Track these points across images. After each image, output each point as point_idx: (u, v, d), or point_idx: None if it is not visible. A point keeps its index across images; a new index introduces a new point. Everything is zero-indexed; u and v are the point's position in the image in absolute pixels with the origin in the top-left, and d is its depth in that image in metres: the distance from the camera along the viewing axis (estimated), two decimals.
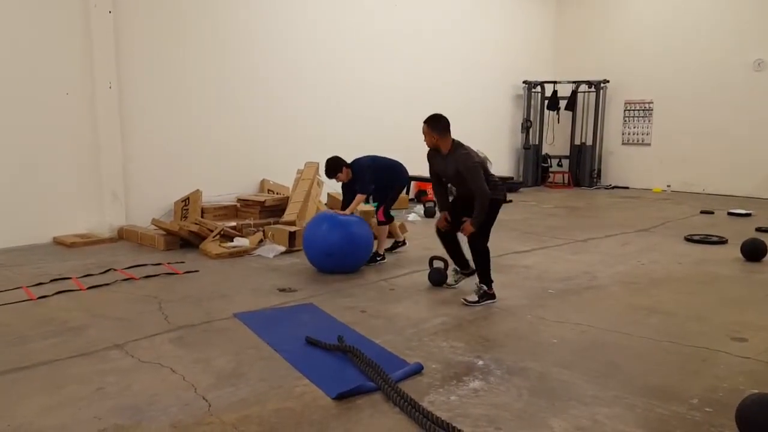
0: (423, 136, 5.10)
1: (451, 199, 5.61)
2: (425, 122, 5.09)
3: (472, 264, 5.40)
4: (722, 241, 7.73)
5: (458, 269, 5.65)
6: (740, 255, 6.88)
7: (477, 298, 5.07)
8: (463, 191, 5.27)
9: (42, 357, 3.87)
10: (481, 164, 5.04)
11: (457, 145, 5.08)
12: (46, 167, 7.40)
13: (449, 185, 5.65)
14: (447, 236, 5.53)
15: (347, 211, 6.34)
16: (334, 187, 8.84)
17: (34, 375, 3.62)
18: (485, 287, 5.12)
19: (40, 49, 7.25)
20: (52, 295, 5.24)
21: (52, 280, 5.70)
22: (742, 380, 3.57)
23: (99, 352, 3.96)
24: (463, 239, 5.36)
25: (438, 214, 5.61)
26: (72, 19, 7.44)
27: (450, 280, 5.62)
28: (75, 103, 7.56)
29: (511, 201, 11.62)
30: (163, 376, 3.59)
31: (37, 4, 7.18)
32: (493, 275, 5.17)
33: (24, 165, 7.24)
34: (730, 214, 10.15)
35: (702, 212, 10.34)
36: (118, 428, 2.97)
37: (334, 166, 6.46)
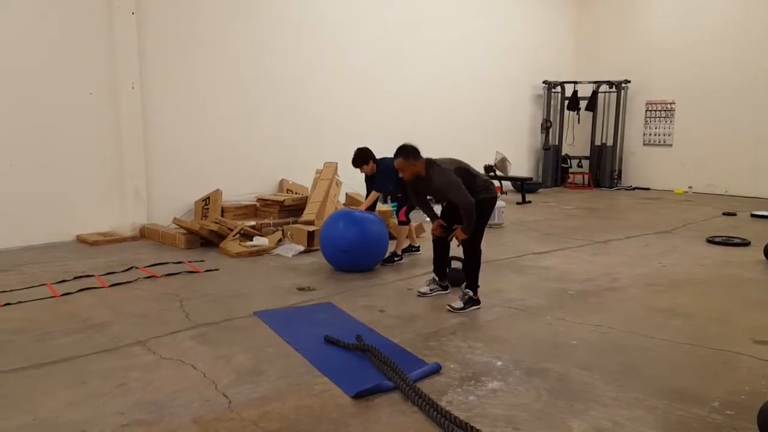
0: (401, 172, 5.01)
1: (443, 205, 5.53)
2: (399, 157, 4.98)
3: (447, 282, 5.43)
4: (744, 243, 7.63)
5: (436, 279, 5.46)
6: (763, 257, 6.80)
7: (462, 305, 4.93)
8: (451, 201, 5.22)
9: (66, 353, 3.94)
10: (462, 169, 4.99)
11: (430, 165, 5.01)
12: (69, 166, 7.52)
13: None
14: (440, 243, 5.37)
15: (362, 207, 6.38)
16: (352, 186, 8.89)
17: (59, 370, 3.68)
18: (471, 293, 4.99)
19: (65, 49, 7.37)
20: (76, 292, 5.33)
21: (75, 278, 5.79)
22: (764, 383, 3.53)
23: (122, 349, 4.02)
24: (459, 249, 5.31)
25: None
26: (96, 20, 7.55)
27: (425, 288, 5.42)
28: (98, 103, 7.67)
29: (530, 202, 11.61)
30: (185, 372, 3.63)
31: (61, 5, 7.30)
32: (513, 276, 5.16)
33: (48, 164, 7.36)
34: (753, 215, 10.02)
35: (724, 214, 10.21)
36: (141, 423, 3.01)
37: (362, 157, 6.51)
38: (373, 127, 10.51)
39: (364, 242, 6.06)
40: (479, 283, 5.05)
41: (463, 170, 5.00)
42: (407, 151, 4.98)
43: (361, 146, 6.60)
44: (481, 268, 5.06)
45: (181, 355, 3.89)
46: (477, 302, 5.01)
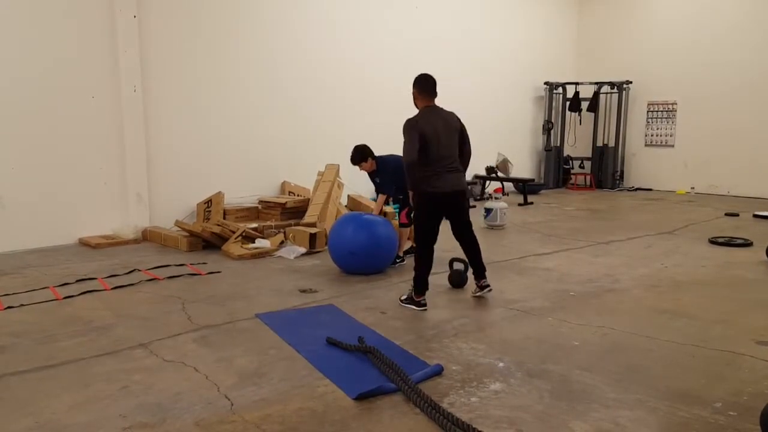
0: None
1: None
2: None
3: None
4: (747, 244, 7.62)
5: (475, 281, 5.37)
6: (765, 258, 6.79)
7: (406, 296, 5.07)
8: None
9: (68, 355, 3.95)
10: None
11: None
12: (72, 169, 7.54)
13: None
14: (463, 242, 5.34)
15: (374, 211, 6.42)
16: (354, 188, 8.90)
17: (61, 373, 3.69)
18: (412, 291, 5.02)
19: (67, 53, 7.39)
20: (78, 295, 5.34)
21: (78, 281, 5.81)
22: (767, 384, 3.52)
23: (124, 351, 4.03)
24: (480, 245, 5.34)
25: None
26: (97, 23, 7.58)
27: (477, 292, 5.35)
28: (100, 107, 7.69)
29: (532, 203, 11.60)
30: (187, 375, 3.64)
31: (63, 10, 7.32)
32: (514, 277, 5.14)
33: (50, 167, 7.38)
34: (755, 216, 9.99)
35: (727, 214, 10.19)
36: (143, 426, 3.02)
37: (360, 155, 6.54)
38: (374, 129, 10.47)
39: (374, 245, 6.06)
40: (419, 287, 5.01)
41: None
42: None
43: (358, 144, 6.61)
44: (421, 270, 5.00)
45: (184, 358, 3.90)
46: (416, 303, 4.97)
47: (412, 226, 6.78)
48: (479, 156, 10.24)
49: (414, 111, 5.13)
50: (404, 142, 4.88)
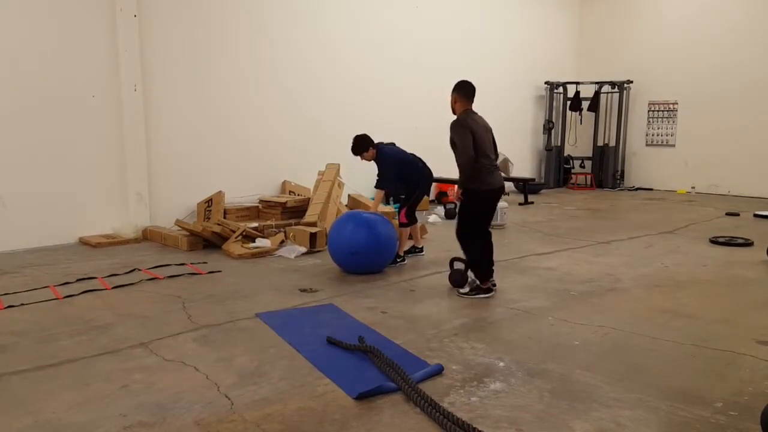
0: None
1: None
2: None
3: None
4: (748, 244, 7.62)
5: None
6: (766, 257, 6.79)
7: (468, 290, 5.31)
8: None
9: (69, 355, 3.95)
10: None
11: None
12: (72, 169, 7.54)
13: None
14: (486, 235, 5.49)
15: (372, 208, 6.40)
16: (354, 188, 8.90)
17: (61, 372, 3.69)
18: (477, 281, 5.29)
19: (68, 52, 7.39)
20: (79, 294, 5.34)
21: (78, 280, 5.81)
22: (767, 384, 3.52)
23: (124, 351, 4.03)
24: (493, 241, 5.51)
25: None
26: (98, 22, 7.58)
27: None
28: (101, 106, 7.69)
29: (532, 203, 11.60)
30: (187, 374, 3.64)
31: (64, 9, 7.32)
32: (515, 276, 5.15)
33: (51, 167, 7.38)
34: (756, 216, 9.99)
35: (727, 214, 10.19)
36: (143, 425, 3.02)
37: (362, 144, 6.52)
38: (375, 129, 10.46)
39: (374, 244, 6.05)
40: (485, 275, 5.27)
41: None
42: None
43: (359, 133, 6.60)
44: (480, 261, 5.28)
45: (184, 357, 3.89)
46: (484, 290, 5.24)
47: (412, 226, 6.80)
48: None
49: (443, 113, 5.43)
50: (456, 141, 5.14)
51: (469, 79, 5.38)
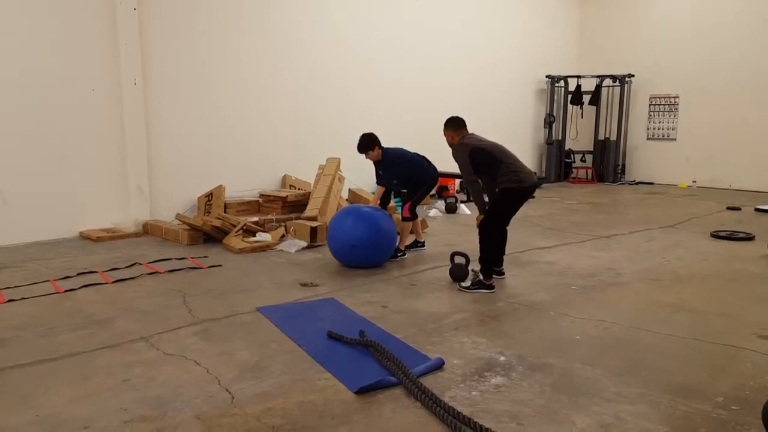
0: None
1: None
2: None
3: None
4: (749, 238, 7.61)
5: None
6: (767, 251, 6.77)
7: (469, 284, 5.33)
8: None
9: (69, 349, 3.94)
10: (481, 150, 5.37)
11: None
12: (72, 163, 7.53)
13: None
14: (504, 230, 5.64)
15: (371, 203, 6.39)
16: (355, 182, 8.88)
17: (62, 366, 3.69)
18: (480, 275, 5.30)
19: (67, 46, 7.36)
20: (79, 288, 5.34)
21: (78, 274, 5.80)
22: None
23: (125, 345, 4.02)
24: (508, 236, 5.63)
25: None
26: (98, 16, 7.54)
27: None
28: (101, 100, 7.67)
29: (533, 197, 11.55)
30: (188, 368, 3.64)
31: (63, 2, 7.28)
32: (516, 271, 5.15)
33: (51, 161, 7.37)
34: (757, 210, 9.97)
35: (728, 208, 10.17)
36: (144, 419, 3.01)
37: (368, 143, 6.47)
38: (376, 123, 10.45)
39: (374, 238, 6.04)
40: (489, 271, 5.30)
41: (482, 152, 5.34)
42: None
43: (366, 132, 6.57)
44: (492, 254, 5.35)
45: (184, 351, 3.89)
46: (486, 286, 5.25)
47: (416, 220, 6.80)
48: None
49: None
50: (458, 162, 5.36)
51: (454, 115, 5.56)
